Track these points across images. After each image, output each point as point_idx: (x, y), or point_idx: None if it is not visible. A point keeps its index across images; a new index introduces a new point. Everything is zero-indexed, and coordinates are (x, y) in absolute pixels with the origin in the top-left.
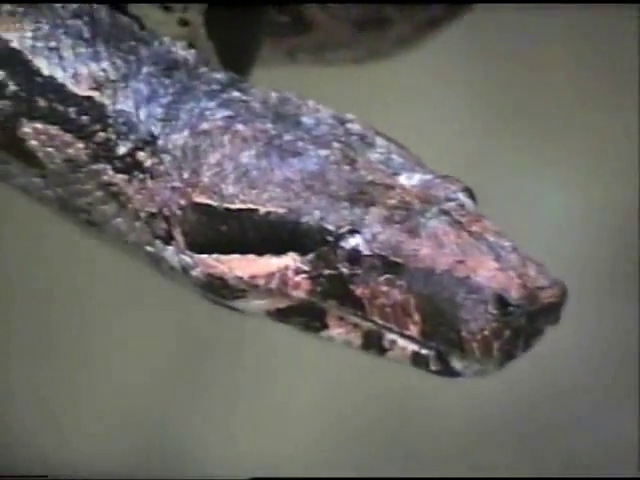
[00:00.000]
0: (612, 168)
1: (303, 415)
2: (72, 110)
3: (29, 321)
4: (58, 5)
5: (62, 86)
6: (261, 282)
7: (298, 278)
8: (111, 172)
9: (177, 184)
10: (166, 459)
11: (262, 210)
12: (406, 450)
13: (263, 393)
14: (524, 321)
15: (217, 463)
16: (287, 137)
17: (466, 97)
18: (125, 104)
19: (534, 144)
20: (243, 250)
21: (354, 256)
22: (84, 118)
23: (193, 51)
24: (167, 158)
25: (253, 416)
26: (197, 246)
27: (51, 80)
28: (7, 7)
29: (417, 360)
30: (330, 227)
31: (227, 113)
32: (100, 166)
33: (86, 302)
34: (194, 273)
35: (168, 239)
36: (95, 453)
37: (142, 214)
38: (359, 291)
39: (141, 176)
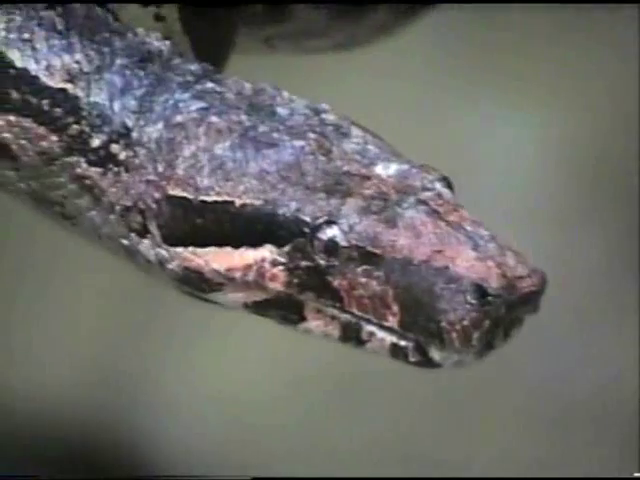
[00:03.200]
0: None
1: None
2: (45, 102)
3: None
4: None
5: (35, 78)
6: (238, 275)
7: (275, 270)
8: (85, 165)
9: (152, 177)
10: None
11: (238, 202)
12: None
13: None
14: (503, 311)
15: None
16: (262, 128)
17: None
18: (99, 96)
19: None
20: (219, 243)
21: (331, 247)
22: (57, 110)
23: (168, 42)
24: (141, 151)
25: (212, 357)
26: (173, 239)
27: (24, 72)
28: None
29: (396, 351)
30: (306, 218)
31: (201, 105)
32: (74, 159)
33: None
34: (170, 266)
35: (143, 232)
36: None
37: (117, 207)
38: (336, 282)
39: (115, 169)
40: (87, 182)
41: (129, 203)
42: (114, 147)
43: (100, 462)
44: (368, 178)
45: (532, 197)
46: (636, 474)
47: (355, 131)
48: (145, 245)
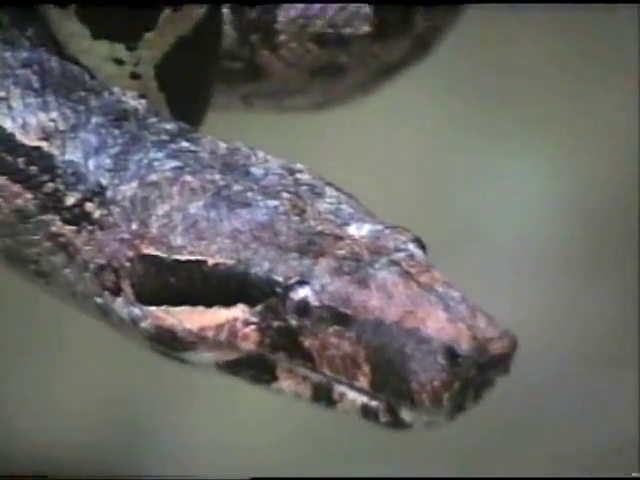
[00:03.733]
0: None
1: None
2: (21, 160)
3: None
4: (7, 54)
5: (11, 136)
6: (210, 334)
7: (247, 330)
8: (59, 223)
9: (126, 235)
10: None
11: (210, 261)
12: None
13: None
14: (474, 372)
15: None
16: (236, 187)
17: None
18: (74, 154)
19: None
20: (192, 302)
21: (303, 307)
22: (32, 168)
23: (143, 101)
24: (116, 209)
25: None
26: (146, 298)
27: (0, 130)
28: None
29: (367, 412)
30: (278, 278)
31: (176, 164)
32: (49, 217)
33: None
34: (143, 325)
35: (117, 291)
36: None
37: (91, 265)
38: (308, 343)
39: (90, 227)
40: (61, 240)
41: (103, 261)
42: (88, 205)
43: None
44: (341, 238)
45: (539, 244)
46: (634, 474)
47: (329, 191)
48: (119, 304)
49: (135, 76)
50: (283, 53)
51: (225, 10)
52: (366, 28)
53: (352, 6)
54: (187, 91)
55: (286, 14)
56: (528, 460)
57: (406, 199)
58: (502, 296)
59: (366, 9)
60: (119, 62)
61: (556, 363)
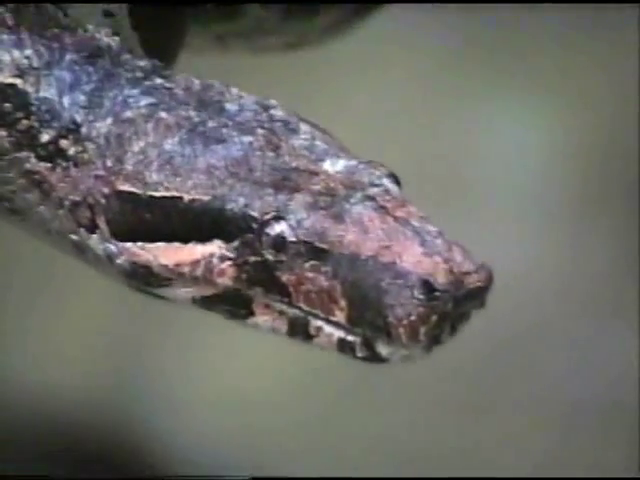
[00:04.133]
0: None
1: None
2: None
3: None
4: None
5: None
6: (186, 270)
7: (223, 265)
8: (34, 160)
9: (101, 172)
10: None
11: (186, 198)
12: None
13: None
14: (450, 306)
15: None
16: (210, 124)
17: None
18: (48, 92)
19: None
20: (168, 238)
21: (279, 243)
22: (7, 106)
23: (117, 38)
24: (91, 146)
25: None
26: (121, 234)
27: None
28: None
29: (343, 346)
30: (254, 214)
31: (150, 100)
32: (23, 154)
33: None
34: (119, 261)
35: (92, 227)
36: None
37: (66, 202)
38: (285, 278)
39: (64, 164)
40: (36, 177)
41: (78, 198)
42: (63, 142)
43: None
44: (316, 174)
45: (537, 193)
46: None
47: (304, 127)
48: (94, 240)
49: (108, 14)
50: None
51: None
52: None
53: None
54: (160, 29)
55: None
56: (527, 406)
57: (394, 144)
58: (505, 238)
59: None
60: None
61: (555, 304)
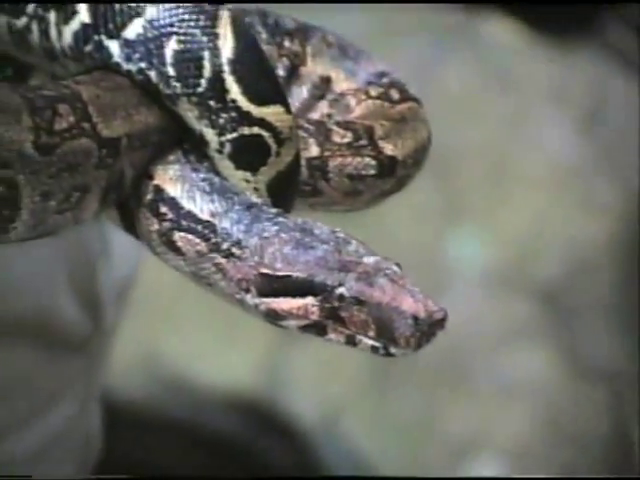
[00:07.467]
0: None
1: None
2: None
3: None
4: (194, 175)
5: (190, 212)
6: (294, 312)
7: (313, 309)
8: (219, 258)
9: (252, 263)
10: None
11: (295, 275)
12: None
13: None
14: (426, 328)
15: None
16: (307, 239)
17: None
18: (228, 225)
19: None
20: (285, 296)
21: (341, 298)
22: (211, 235)
23: (261, 200)
24: (247, 250)
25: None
26: (262, 294)
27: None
28: None
29: (373, 349)
30: (329, 282)
31: (276, 228)
32: (213, 255)
33: None
34: (261, 308)
35: (247, 291)
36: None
37: (234, 279)
38: (343, 315)
39: (233, 259)
40: (220, 267)
41: (240, 276)
42: (233, 249)
43: None
44: (359, 264)
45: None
46: None
47: (353, 241)
48: (248, 297)
49: (255, 190)
50: (331, 183)
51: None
52: (372, 172)
53: (367, 158)
54: (283, 200)
55: (334, 165)
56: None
57: None
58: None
59: (372, 162)
60: (247, 181)
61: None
